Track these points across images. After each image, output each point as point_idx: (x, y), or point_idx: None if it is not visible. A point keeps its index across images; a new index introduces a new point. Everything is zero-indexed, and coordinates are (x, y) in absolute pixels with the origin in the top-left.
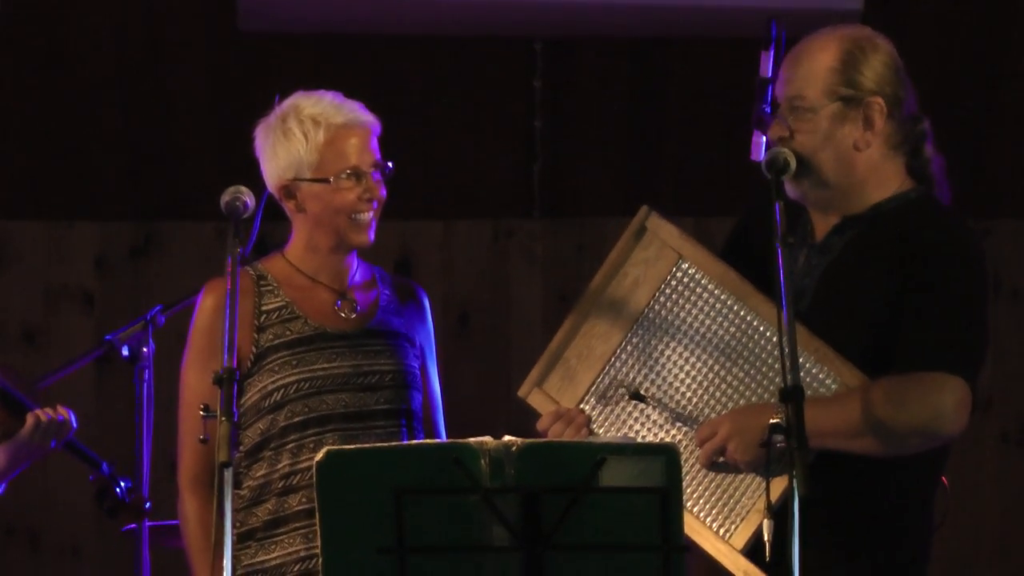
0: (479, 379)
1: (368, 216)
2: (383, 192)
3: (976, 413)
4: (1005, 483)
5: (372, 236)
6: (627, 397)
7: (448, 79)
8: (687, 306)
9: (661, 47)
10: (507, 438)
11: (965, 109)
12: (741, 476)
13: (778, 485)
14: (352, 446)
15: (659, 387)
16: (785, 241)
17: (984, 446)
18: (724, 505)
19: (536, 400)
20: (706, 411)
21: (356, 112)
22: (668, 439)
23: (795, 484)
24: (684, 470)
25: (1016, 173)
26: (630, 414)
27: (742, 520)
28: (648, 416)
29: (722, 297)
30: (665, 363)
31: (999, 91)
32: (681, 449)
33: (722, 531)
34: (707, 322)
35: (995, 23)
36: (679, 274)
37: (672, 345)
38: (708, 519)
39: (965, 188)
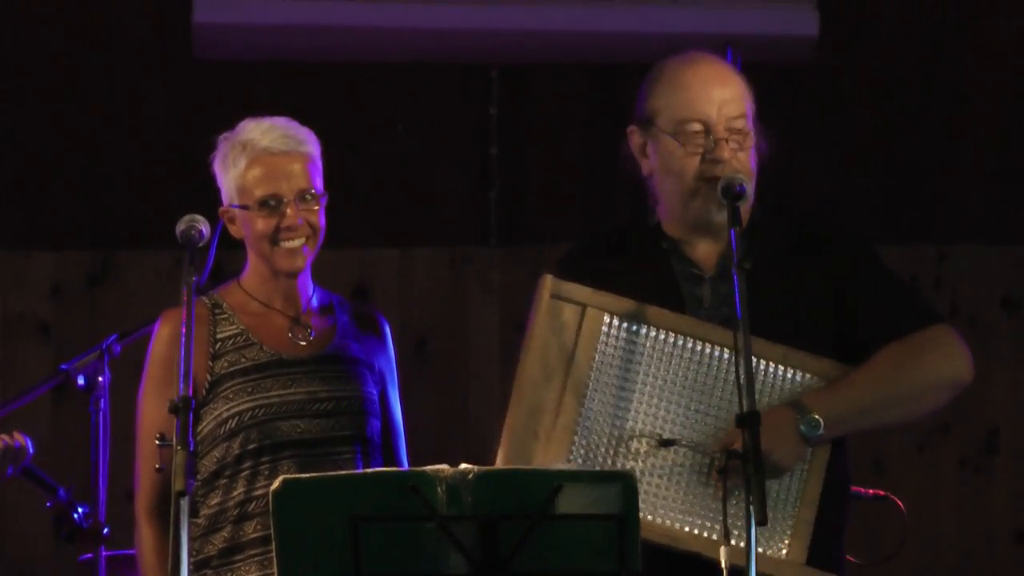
0: (436, 406)
1: (294, 243)
2: (320, 220)
3: (934, 438)
4: (963, 508)
5: (305, 262)
6: (656, 444)
7: (404, 106)
8: (635, 357)
9: (617, 73)
10: (464, 466)
11: (921, 134)
12: (770, 491)
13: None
14: (308, 474)
15: (641, 438)
16: (741, 266)
17: (942, 471)
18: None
19: None
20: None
21: (286, 138)
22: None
23: (752, 510)
24: (716, 508)
25: (972, 198)
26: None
27: (790, 533)
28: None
29: (661, 337)
30: (636, 416)
31: (954, 115)
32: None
33: (771, 552)
34: (661, 366)
35: (950, 48)
36: (610, 330)
37: (636, 398)
38: (760, 546)
39: (922, 213)
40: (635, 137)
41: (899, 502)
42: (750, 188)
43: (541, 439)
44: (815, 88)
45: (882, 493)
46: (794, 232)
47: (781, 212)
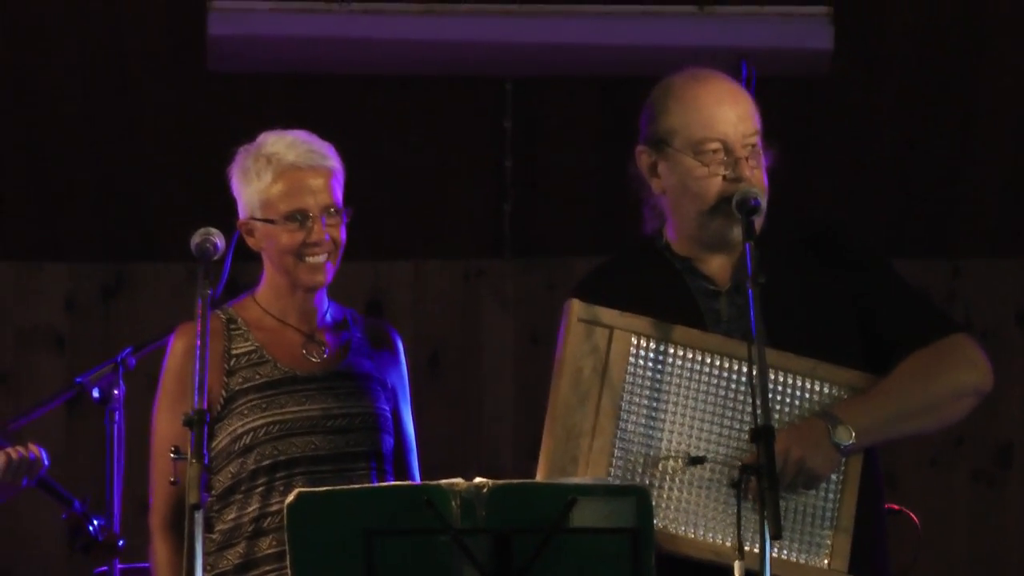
0: (450, 419)
1: (319, 259)
2: (342, 235)
3: (947, 452)
4: (976, 521)
5: (327, 277)
6: (685, 464)
7: (418, 119)
8: (665, 377)
9: (631, 87)
10: (478, 479)
11: (934, 147)
12: (807, 503)
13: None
14: (322, 488)
15: (673, 456)
16: (755, 281)
17: (955, 485)
18: (804, 537)
19: None
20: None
21: (311, 152)
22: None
23: (766, 524)
24: (752, 520)
25: (986, 212)
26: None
27: (830, 544)
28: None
29: (689, 355)
30: (670, 434)
31: (968, 129)
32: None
33: (813, 561)
34: (691, 384)
35: (963, 62)
36: (639, 351)
37: (669, 417)
38: (803, 557)
39: (936, 227)
40: (644, 157)
41: (913, 516)
42: (764, 202)
43: (580, 463)
44: (829, 101)
45: (896, 507)
46: (804, 238)
47: (790, 221)
